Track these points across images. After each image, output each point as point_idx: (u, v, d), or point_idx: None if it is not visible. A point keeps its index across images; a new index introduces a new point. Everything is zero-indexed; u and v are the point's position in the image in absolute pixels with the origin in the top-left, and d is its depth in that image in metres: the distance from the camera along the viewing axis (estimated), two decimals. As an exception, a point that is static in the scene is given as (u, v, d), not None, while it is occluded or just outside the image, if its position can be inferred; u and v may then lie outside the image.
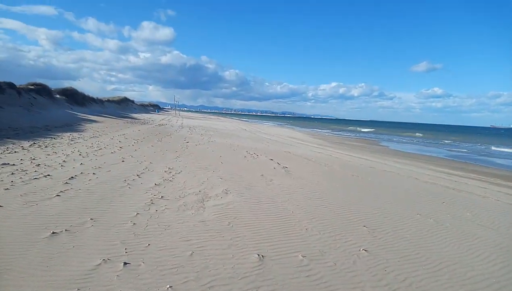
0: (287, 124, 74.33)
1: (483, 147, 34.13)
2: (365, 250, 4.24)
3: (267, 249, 4.04)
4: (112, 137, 14.40)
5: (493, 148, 32.76)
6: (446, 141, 41.26)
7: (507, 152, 29.60)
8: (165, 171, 8.04)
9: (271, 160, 11.37)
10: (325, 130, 55.44)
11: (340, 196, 6.98)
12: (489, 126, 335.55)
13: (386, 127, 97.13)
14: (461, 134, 68.72)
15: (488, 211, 6.84)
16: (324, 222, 5.21)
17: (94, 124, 21.33)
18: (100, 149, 10.66)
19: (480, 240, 5.02)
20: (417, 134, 54.07)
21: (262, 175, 8.45)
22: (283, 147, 17.54)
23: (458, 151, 28.16)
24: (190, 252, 3.78)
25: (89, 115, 28.72)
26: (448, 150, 28.59)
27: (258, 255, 3.82)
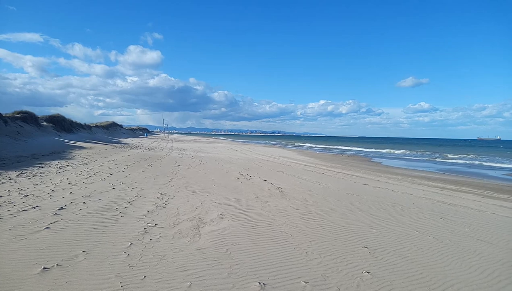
0: (277, 143, 74.53)
1: (476, 161, 34.54)
2: (368, 272, 4.13)
3: (267, 276, 3.90)
4: (101, 164, 14.16)
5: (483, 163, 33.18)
6: (436, 155, 41.71)
7: (495, 166, 29.99)
8: (157, 197, 7.86)
9: (265, 180, 11.27)
10: (315, 148, 55.69)
11: (337, 216, 6.89)
12: (476, 138, 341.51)
13: (376, 143, 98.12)
14: (449, 147, 69.74)
15: (486, 225, 6.82)
16: (324, 244, 5.10)
17: (82, 151, 21.02)
18: (89, 176, 10.43)
19: (481, 256, 4.95)
20: (406, 151, 54.68)
21: (256, 197, 8.33)
22: (275, 166, 17.47)
23: (448, 165, 28.46)
24: (188, 283, 3.62)
25: (77, 142, 28.37)
26: (438, 164, 28.88)
27: (259, 283, 3.68)
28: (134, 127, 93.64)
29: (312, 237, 5.45)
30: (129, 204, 7.06)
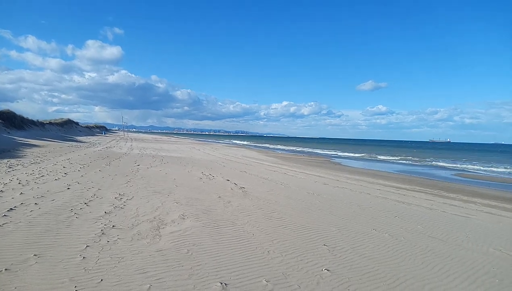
0: (241, 143, 74.62)
1: (427, 161, 36.49)
2: (327, 270, 4.24)
3: (229, 276, 3.89)
4: (55, 163, 13.44)
5: (433, 163, 35.10)
6: (391, 156, 43.60)
7: (443, 165, 31.85)
8: (115, 197, 7.59)
9: (228, 180, 11.24)
10: (278, 149, 56.42)
11: (298, 215, 7.02)
12: (428, 140, 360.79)
13: (336, 144, 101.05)
14: (403, 149, 73.21)
15: (437, 223, 7.23)
16: (285, 243, 5.17)
17: (34, 149, 19.84)
18: (42, 176, 9.86)
19: (432, 252, 5.25)
20: (368, 156, 56.66)
21: (219, 197, 8.29)
22: (239, 166, 17.48)
23: (403, 165, 29.88)
24: (148, 285, 3.53)
25: (29, 140, 26.79)
26: (394, 164, 30.24)
27: (221, 283, 3.67)
28: (91, 125, 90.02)
29: (274, 236, 5.52)
30: (85, 205, 6.75)
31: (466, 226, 7.21)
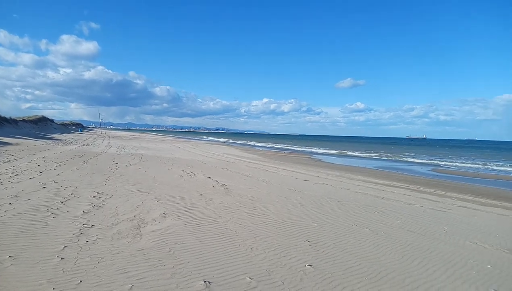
0: (221, 140, 74.37)
1: (405, 157, 37.36)
2: (310, 265, 4.27)
3: (213, 274, 3.86)
4: (30, 161, 12.99)
5: (406, 159, 35.95)
6: (370, 153, 44.38)
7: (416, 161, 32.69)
8: (94, 196, 7.40)
9: (209, 178, 11.17)
10: (259, 146, 56.53)
11: (280, 211, 7.05)
12: (405, 137, 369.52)
13: (317, 141, 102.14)
14: (381, 145, 74.75)
15: (415, 217, 7.41)
16: (268, 240, 5.18)
17: (7, 147, 19.13)
18: (16, 175, 9.51)
19: (412, 246, 5.37)
20: (347, 152, 57.41)
21: (201, 195, 8.22)
22: (220, 163, 17.39)
23: (381, 161, 30.48)
24: (129, 285, 3.46)
25: (1, 137, 25.83)
26: (373, 160, 30.82)
27: (204, 281, 3.63)
28: (67, 122, 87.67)
29: (257, 232, 5.52)
30: (62, 204, 6.55)
31: (443, 220, 7.41)
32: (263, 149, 47.40)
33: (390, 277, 4.11)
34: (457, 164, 30.44)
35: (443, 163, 31.04)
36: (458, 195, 12.15)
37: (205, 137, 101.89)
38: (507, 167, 27.98)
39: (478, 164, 29.84)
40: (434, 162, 31.89)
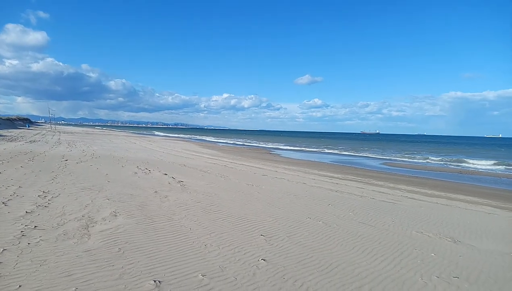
0: (180, 136, 73.09)
1: (359, 151, 38.80)
2: (264, 260, 4.29)
3: (164, 272, 3.76)
4: (-33, 159, 12.01)
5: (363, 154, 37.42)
6: (326, 147, 45.64)
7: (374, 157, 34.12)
8: (38, 195, 6.96)
9: (165, 174, 10.92)
10: (218, 141, 56.24)
11: (237, 207, 7.04)
12: (360, 132, 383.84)
13: (276, 136, 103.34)
14: (336, 140, 77.19)
15: (367, 209, 7.70)
16: (223, 236, 5.15)
17: None
18: (-50, 174, 8.75)
19: (363, 238, 5.57)
20: (302, 144, 58.53)
21: (155, 192, 8.01)
22: (178, 159, 17.08)
23: (337, 156, 31.46)
24: (73, 288, 3.28)
25: None
26: (329, 155, 31.72)
27: (154, 281, 3.53)
28: (13, 117, 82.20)
29: (212, 229, 5.47)
30: (2, 204, 6.09)
31: (392, 211, 7.77)
32: (223, 144, 47.25)
33: (341, 268, 4.23)
34: (407, 157, 32.11)
35: (394, 157, 32.59)
36: (407, 187, 12.82)
37: (163, 133, 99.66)
38: (447, 160, 29.91)
39: (425, 159, 31.56)
40: (386, 156, 33.45)
